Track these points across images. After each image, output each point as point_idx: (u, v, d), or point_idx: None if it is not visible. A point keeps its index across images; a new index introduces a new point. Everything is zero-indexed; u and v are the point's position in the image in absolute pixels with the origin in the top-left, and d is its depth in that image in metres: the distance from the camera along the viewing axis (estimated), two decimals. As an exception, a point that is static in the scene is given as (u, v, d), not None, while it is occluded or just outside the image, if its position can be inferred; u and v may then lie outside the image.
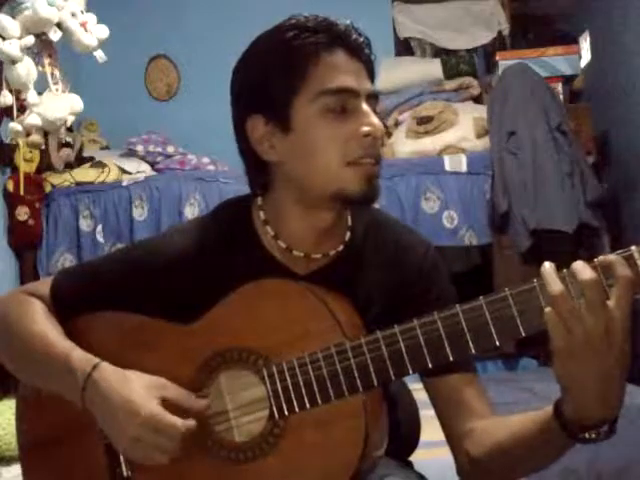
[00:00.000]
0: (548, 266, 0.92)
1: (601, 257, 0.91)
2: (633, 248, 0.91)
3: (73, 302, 1.23)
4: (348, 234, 1.20)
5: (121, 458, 1.16)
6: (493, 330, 0.97)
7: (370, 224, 1.23)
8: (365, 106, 1.12)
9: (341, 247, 1.19)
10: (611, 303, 0.89)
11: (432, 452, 1.76)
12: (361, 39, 1.15)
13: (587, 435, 0.96)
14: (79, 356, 1.14)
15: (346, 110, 1.11)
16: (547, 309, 0.91)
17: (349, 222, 1.21)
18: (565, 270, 0.92)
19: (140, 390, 1.10)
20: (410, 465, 1.31)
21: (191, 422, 1.09)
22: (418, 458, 1.35)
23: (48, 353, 1.16)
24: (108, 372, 1.12)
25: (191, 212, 3.16)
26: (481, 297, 0.98)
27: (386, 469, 1.17)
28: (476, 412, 1.14)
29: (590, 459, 1.78)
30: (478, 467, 1.13)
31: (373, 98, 1.15)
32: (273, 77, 1.12)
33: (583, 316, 0.89)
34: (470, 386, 1.17)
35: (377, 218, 1.25)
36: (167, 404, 1.09)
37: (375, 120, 1.12)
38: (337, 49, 1.12)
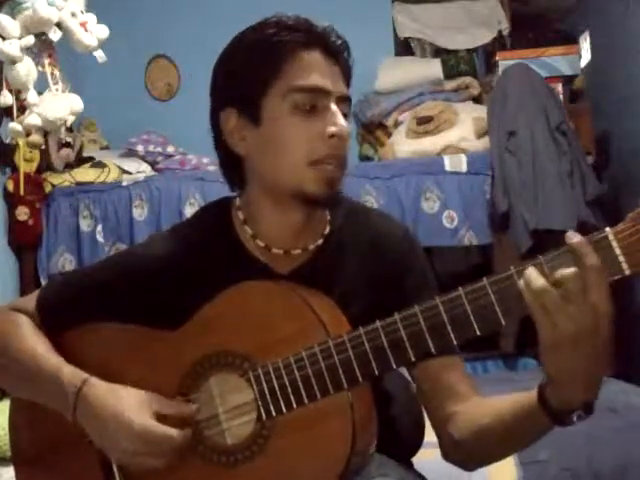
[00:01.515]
0: (530, 272, 0.92)
1: (571, 243, 0.91)
2: (608, 230, 0.91)
3: (60, 315, 1.23)
4: (328, 227, 1.21)
5: (114, 470, 1.16)
6: (473, 319, 0.98)
7: (347, 215, 1.24)
8: (334, 107, 1.13)
9: (321, 241, 1.20)
10: (592, 293, 0.89)
11: (433, 452, 1.76)
12: (339, 42, 1.16)
13: (573, 419, 0.97)
14: (68, 372, 1.15)
15: (315, 109, 1.12)
16: (532, 304, 0.91)
17: (327, 216, 1.22)
18: (541, 257, 0.93)
19: (131, 404, 1.10)
20: (410, 465, 1.31)
21: (186, 432, 1.09)
22: (418, 458, 1.35)
23: (37, 369, 1.17)
24: (98, 387, 1.13)
25: (191, 212, 3.15)
26: (460, 288, 0.99)
27: (382, 469, 1.17)
28: (459, 395, 1.16)
29: (588, 459, 1.78)
30: (462, 450, 1.15)
31: (345, 102, 1.16)
32: (248, 71, 1.14)
33: (567, 308, 0.89)
34: (453, 369, 1.18)
35: (353, 208, 1.26)
36: (159, 416, 1.10)
37: (342, 121, 1.13)
38: (314, 49, 1.14)
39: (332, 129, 1.12)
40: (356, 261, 1.21)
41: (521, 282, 0.92)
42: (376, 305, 1.06)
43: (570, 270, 0.89)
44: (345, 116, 1.15)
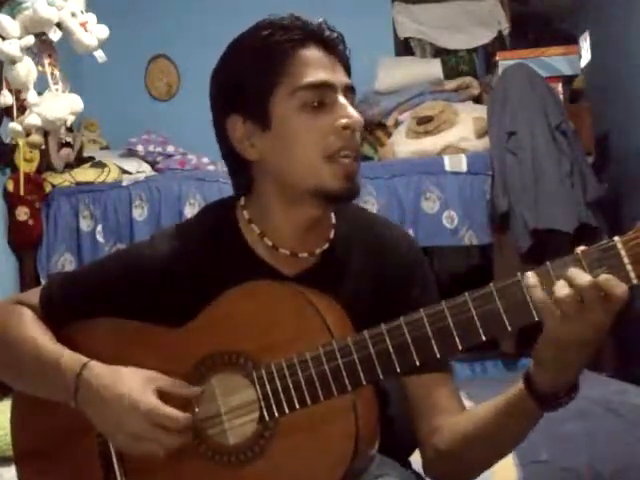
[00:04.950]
0: (531, 278, 0.94)
1: (585, 251, 0.92)
2: (616, 239, 0.91)
3: (62, 310, 1.23)
4: (332, 232, 1.21)
5: (114, 464, 1.16)
6: (479, 325, 0.98)
7: (355, 222, 1.24)
8: (342, 99, 1.14)
9: (326, 245, 1.20)
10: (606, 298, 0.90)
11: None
12: (334, 35, 1.16)
13: (562, 402, 1.00)
14: (68, 357, 1.15)
15: (324, 104, 1.13)
16: (548, 307, 0.92)
17: (333, 220, 1.22)
18: (548, 264, 0.94)
19: (135, 384, 1.10)
20: (408, 464, 1.31)
21: (190, 415, 1.09)
22: (417, 458, 1.35)
23: (39, 358, 1.17)
24: (99, 370, 1.12)
25: (191, 212, 3.15)
26: (466, 293, 0.99)
27: (381, 469, 1.17)
28: (446, 410, 1.17)
29: (588, 459, 1.78)
30: (447, 460, 1.15)
31: (350, 91, 1.16)
32: (250, 75, 1.13)
33: (585, 313, 0.91)
34: (443, 385, 1.18)
35: (362, 216, 1.27)
36: (163, 398, 1.09)
37: (353, 112, 1.13)
38: (311, 45, 1.14)
39: (344, 121, 1.12)
40: (362, 268, 1.20)
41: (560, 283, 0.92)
42: (380, 313, 1.06)
43: (588, 282, 0.90)
44: (352, 105, 1.15)
